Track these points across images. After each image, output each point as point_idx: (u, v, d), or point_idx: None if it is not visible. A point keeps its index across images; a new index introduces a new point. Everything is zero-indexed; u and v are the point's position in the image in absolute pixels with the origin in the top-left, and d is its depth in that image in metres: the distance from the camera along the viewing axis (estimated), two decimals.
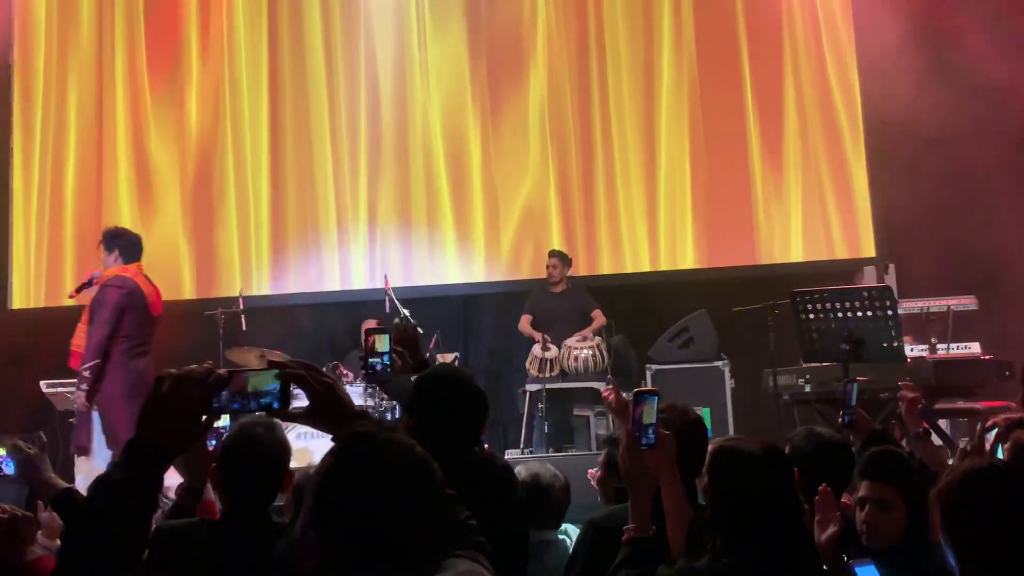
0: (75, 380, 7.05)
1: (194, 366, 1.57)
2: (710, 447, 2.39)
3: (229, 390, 1.56)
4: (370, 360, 2.76)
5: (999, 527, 1.90)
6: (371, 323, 7.11)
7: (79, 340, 5.92)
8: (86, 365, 5.78)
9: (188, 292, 8.73)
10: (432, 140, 8.69)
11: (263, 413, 1.65)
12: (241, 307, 7.45)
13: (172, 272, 8.61)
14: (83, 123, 8.98)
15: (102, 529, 1.47)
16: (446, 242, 8.63)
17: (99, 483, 1.52)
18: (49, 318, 8.53)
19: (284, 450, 2.72)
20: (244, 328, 7.43)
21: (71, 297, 6.16)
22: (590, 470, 3.94)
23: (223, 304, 7.65)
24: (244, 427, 2.74)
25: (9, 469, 2.73)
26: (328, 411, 1.66)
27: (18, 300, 8.81)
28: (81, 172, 8.94)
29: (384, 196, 8.69)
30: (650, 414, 2.36)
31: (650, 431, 2.36)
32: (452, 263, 8.62)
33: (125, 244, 5.93)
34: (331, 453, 1.46)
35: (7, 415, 7.83)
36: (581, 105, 8.62)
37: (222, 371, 1.57)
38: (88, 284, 6.01)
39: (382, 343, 2.77)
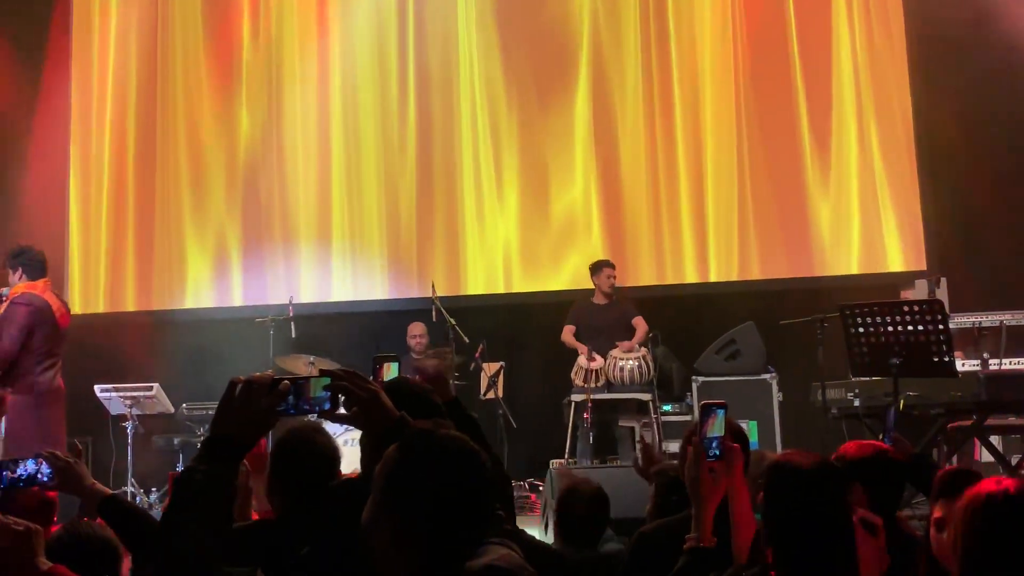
0: (123, 386, 7.21)
1: (259, 373, 1.77)
2: (767, 462, 2.39)
3: (293, 395, 1.76)
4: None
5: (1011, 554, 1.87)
6: (386, 354, 7.15)
7: None
8: None
9: (237, 299, 8.87)
10: (479, 147, 8.74)
11: (315, 416, 1.87)
12: (291, 314, 7.54)
13: (223, 279, 8.77)
14: (141, 129, 9.15)
15: (188, 519, 1.65)
16: (493, 250, 8.67)
17: (182, 477, 1.70)
18: (104, 323, 8.72)
19: (335, 451, 2.79)
20: (294, 335, 7.52)
21: None
22: None
23: (273, 311, 7.75)
24: (295, 431, 2.80)
25: (47, 478, 2.76)
26: (373, 414, 1.90)
27: (77, 305, 8.99)
28: (139, 179, 9.11)
29: (430, 203, 8.75)
30: (717, 426, 2.38)
31: (716, 443, 2.38)
32: (497, 272, 8.66)
33: (28, 262, 6.01)
34: (397, 447, 1.70)
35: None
36: (625, 112, 8.61)
37: (285, 378, 1.75)
38: None
39: (390, 372, 2.73)
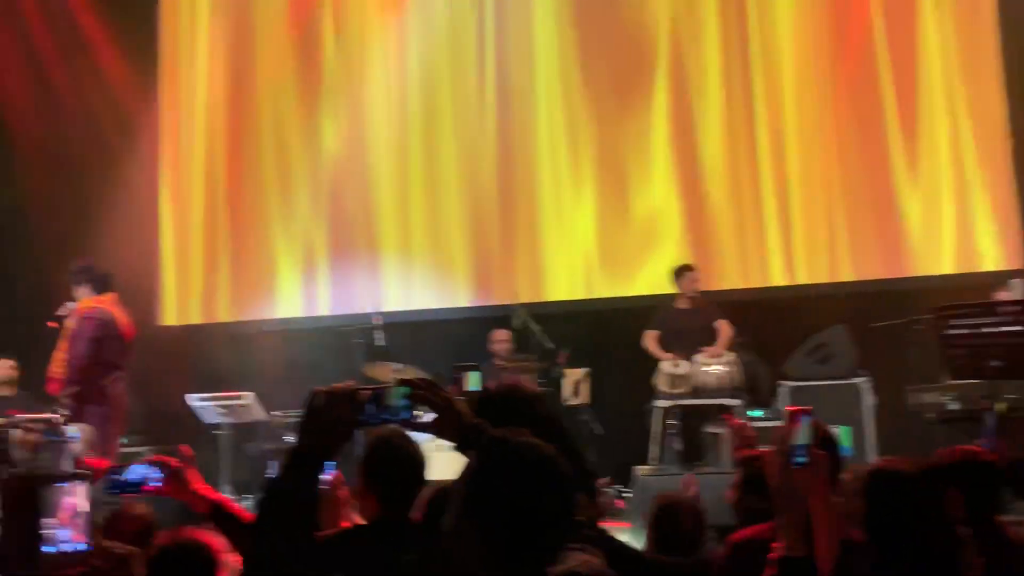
0: (217, 395, 7.39)
1: (340, 384, 1.82)
2: (868, 468, 2.34)
3: (373, 404, 1.82)
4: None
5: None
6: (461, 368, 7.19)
7: (57, 367, 6.21)
8: (67, 392, 6.07)
9: (323, 309, 9.03)
10: (557, 151, 8.74)
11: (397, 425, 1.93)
12: (377, 323, 7.63)
13: (310, 289, 8.94)
14: (230, 140, 9.39)
15: (274, 527, 1.72)
16: (574, 256, 8.66)
17: (267, 487, 1.78)
18: (196, 335, 8.96)
19: (422, 456, 2.81)
20: (380, 344, 7.61)
21: (49, 324, 6.40)
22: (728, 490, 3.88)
23: (359, 320, 7.86)
24: (383, 438, 2.84)
25: (157, 483, 2.80)
26: (449, 422, 1.92)
27: (170, 317, 9.26)
28: (228, 190, 9.34)
29: (510, 209, 8.78)
30: (803, 433, 2.33)
31: (802, 450, 2.33)
32: (578, 277, 8.65)
33: (94, 277, 6.29)
34: (477, 455, 1.71)
35: (156, 428, 8.23)
36: (706, 110, 8.51)
37: (365, 388, 1.82)
38: (63, 315, 6.31)
39: (471, 381, 2.65)
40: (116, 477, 2.62)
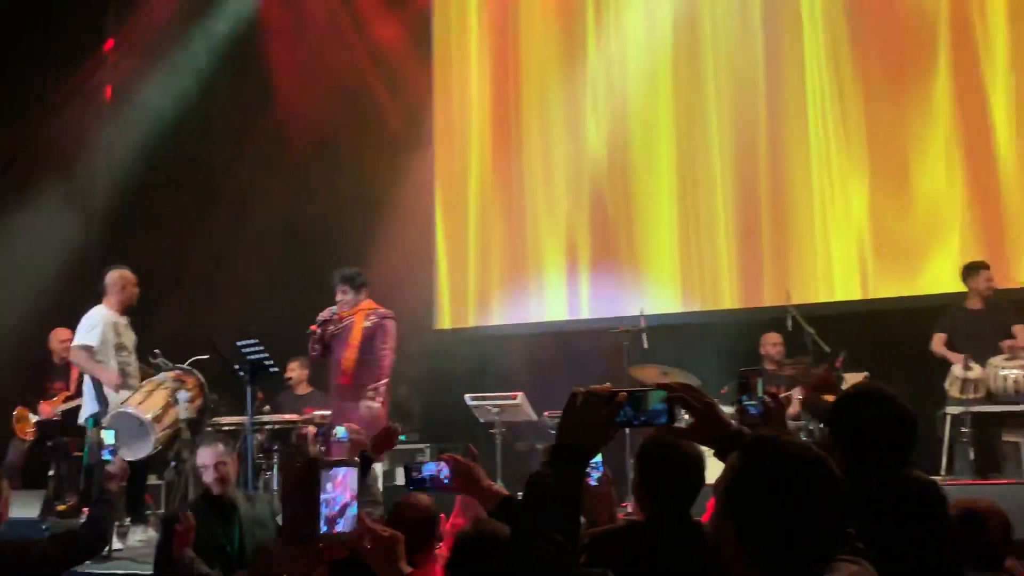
0: (491, 395, 7.63)
1: (598, 386, 1.85)
2: None
3: (631, 406, 1.83)
4: (744, 402, 2.60)
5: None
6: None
7: (349, 362, 6.61)
8: (380, 383, 6.56)
9: (585, 311, 9.13)
10: (829, 145, 8.37)
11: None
12: (644, 324, 7.61)
13: (574, 290, 9.06)
14: (497, 145, 9.69)
15: (538, 521, 1.74)
16: (848, 254, 8.26)
17: (530, 481, 1.79)
18: (467, 338, 9.33)
19: (700, 457, 2.78)
20: (646, 346, 7.58)
21: (312, 329, 6.76)
22: None
23: (625, 322, 7.87)
24: (654, 440, 2.85)
25: (447, 480, 2.94)
26: (707, 428, 1.93)
27: (444, 321, 9.69)
28: (497, 194, 9.65)
29: (780, 206, 8.52)
30: None
31: None
32: (854, 276, 8.23)
33: (366, 282, 6.80)
34: (738, 455, 1.66)
35: (434, 427, 8.64)
36: (996, 93, 7.88)
37: (623, 391, 1.83)
38: (327, 319, 6.71)
39: (755, 388, 2.63)
40: (413, 474, 2.78)
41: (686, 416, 1.95)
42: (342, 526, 1.98)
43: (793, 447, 1.64)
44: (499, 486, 2.92)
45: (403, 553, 2.17)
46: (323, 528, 1.97)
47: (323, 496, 1.97)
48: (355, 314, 6.85)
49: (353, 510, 1.99)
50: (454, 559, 2.70)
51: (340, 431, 6.10)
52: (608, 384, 1.85)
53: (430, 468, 2.77)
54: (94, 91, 10.01)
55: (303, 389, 8.45)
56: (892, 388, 2.71)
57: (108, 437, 4.50)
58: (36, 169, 9.25)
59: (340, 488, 1.99)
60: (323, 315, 6.78)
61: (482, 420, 7.76)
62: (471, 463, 2.92)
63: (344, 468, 2.01)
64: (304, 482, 2.00)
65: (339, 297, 6.83)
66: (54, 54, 9.46)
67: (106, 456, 4.33)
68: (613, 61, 9.30)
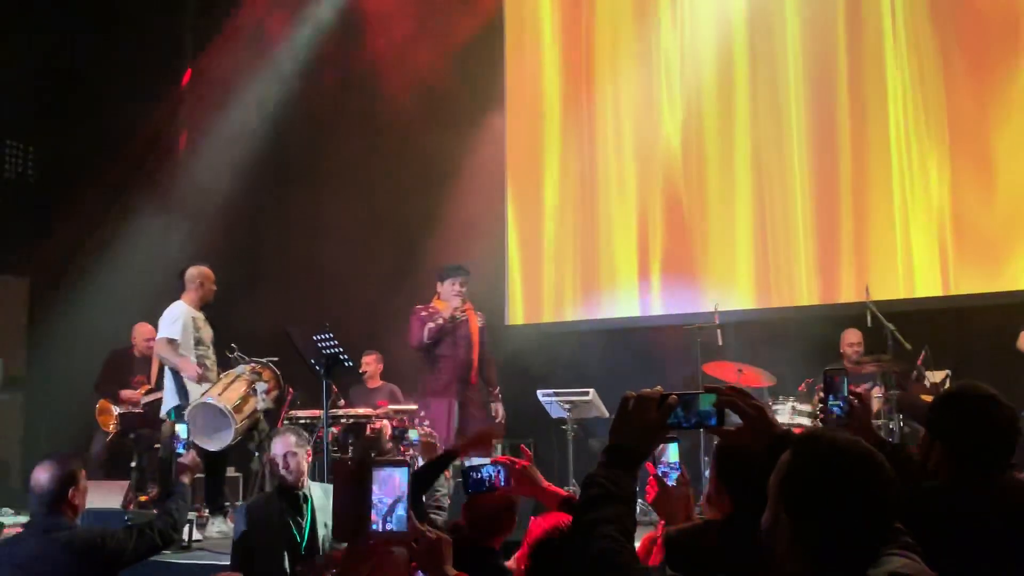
0: (563, 391, 7.61)
1: (648, 389, 1.90)
2: None
3: (682, 409, 1.88)
4: (830, 403, 2.60)
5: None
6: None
7: (477, 362, 7.39)
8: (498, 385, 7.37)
9: (657, 308, 9.05)
10: (911, 136, 8.15)
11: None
12: (717, 321, 7.51)
13: (645, 287, 8.98)
14: (568, 136, 9.65)
15: (593, 519, 1.78)
16: (929, 247, 8.06)
17: (586, 482, 1.86)
18: (540, 334, 9.31)
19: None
20: (720, 343, 7.49)
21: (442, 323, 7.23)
22: None
23: (700, 319, 7.78)
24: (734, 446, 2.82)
25: (504, 482, 2.96)
26: (758, 430, 1.94)
27: (520, 316, 9.69)
28: (566, 190, 9.62)
29: (861, 199, 8.33)
30: None
31: None
32: (935, 271, 8.02)
33: None
34: (790, 452, 1.71)
35: (508, 422, 8.63)
36: None
37: (673, 394, 1.89)
38: (458, 316, 7.22)
39: (839, 388, 2.63)
40: (473, 475, 2.81)
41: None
42: (392, 525, 2.02)
43: (843, 442, 1.67)
44: (567, 490, 2.94)
45: (449, 556, 2.21)
46: (373, 527, 2.01)
47: (374, 495, 2.00)
48: (467, 311, 7.13)
49: (401, 511, 2.02)
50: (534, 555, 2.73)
51: (413, 434, 6.17)
52: (659, 388, 1.89)
53: (488, 471, 2.80)
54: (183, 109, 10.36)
55: (375, 383, 8.53)
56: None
57: (182, 431, 4.60)
58: (135, 191, 9.60)
59: (390, 488, 2.02)
60: (456, 310, 7.17)
61: (554, 416, 7.74)
62: (527, 464, 2.94)
63: (395, 468, 2.06)
64: (356, 480, 2.04)
65: (459, 291, 7.20)
66: (148, 76, 9.80)
67: (180, 449, 4.42)
68: (687, 49, 9.18)
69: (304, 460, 4.68)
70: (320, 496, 4.66)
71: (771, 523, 1.71)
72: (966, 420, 2.48)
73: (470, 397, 7.28)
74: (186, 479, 4.26)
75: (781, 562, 1.66)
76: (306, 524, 4.58)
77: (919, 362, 6.99)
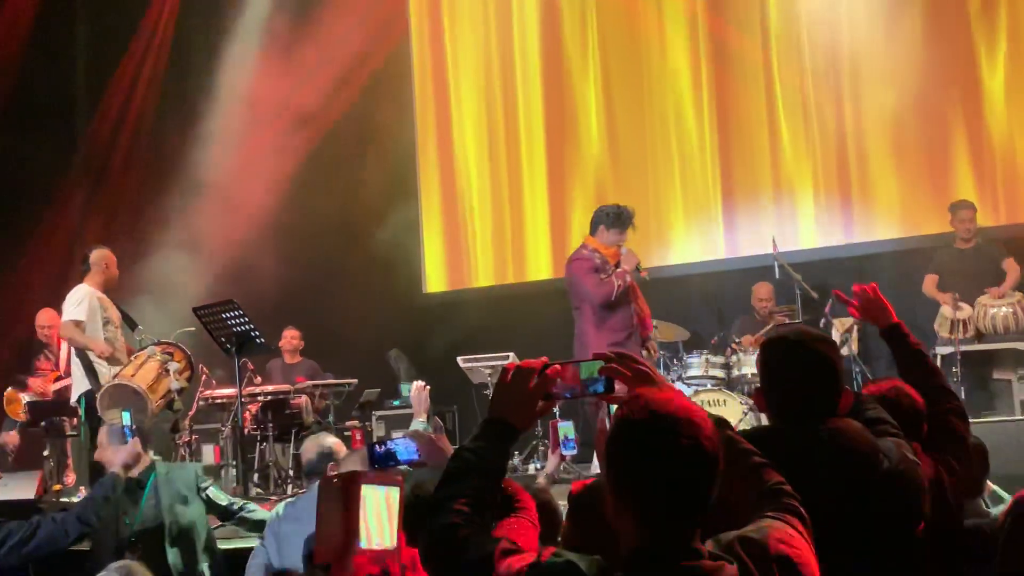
0: (483, 356, 7.59)
1: (531, 359, 1.81)
2: None
3: (563, 379, 1.80)
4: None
5: None
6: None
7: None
8: None
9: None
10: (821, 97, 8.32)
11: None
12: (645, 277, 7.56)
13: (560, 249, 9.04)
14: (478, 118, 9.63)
15: (453, 494, 1.73)
16: (831, 200, 8.25)
17: (454, 455, 1.81)
18: (454, 299, 9.32)
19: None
20: None
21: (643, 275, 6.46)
22: None
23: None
24: None
25: (411, 455, 2.89)
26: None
27: (431, 285, 9.67)
28: (480, 164, 9.59)
29: (750, 157, 8.46)
30: None
31: None
32: (836, 222, 8.22)
33: None
34: (619, 411, 1.64)
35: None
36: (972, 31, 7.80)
37: (556, 363, 1.80)
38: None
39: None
40: (377, 450, 2.72)
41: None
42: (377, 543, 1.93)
43: (658, 403, 1.59)
44: None
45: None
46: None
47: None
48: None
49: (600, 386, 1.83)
50: None
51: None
52: (544, 358, 1.81)
53: (398, 444, 2.71)
54: None
55: (294, 359, 8.45)
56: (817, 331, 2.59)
57: (126, 418, 4.43)
58: None
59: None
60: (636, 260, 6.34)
61: (476, 382, 7.75)
62: (434, 436, 2.90)
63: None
64: (345, 498, 1.91)
65: (624, 239, 6.34)
66: None
67: (128, 436, 4.28)
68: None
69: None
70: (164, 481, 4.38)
71: (603, 487, 1.67)
72: (773, 367, 2.39)
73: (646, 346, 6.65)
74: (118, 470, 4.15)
75: (610, 523, 1.62)
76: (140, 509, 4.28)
77: (827, 310, 7.16)
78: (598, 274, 6.22)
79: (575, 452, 3.92)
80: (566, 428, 3.80)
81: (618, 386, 1.82)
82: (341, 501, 1.92)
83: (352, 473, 2.00)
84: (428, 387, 4.17)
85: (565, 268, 6.54)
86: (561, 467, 3.88)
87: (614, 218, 6.34)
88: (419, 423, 4.14)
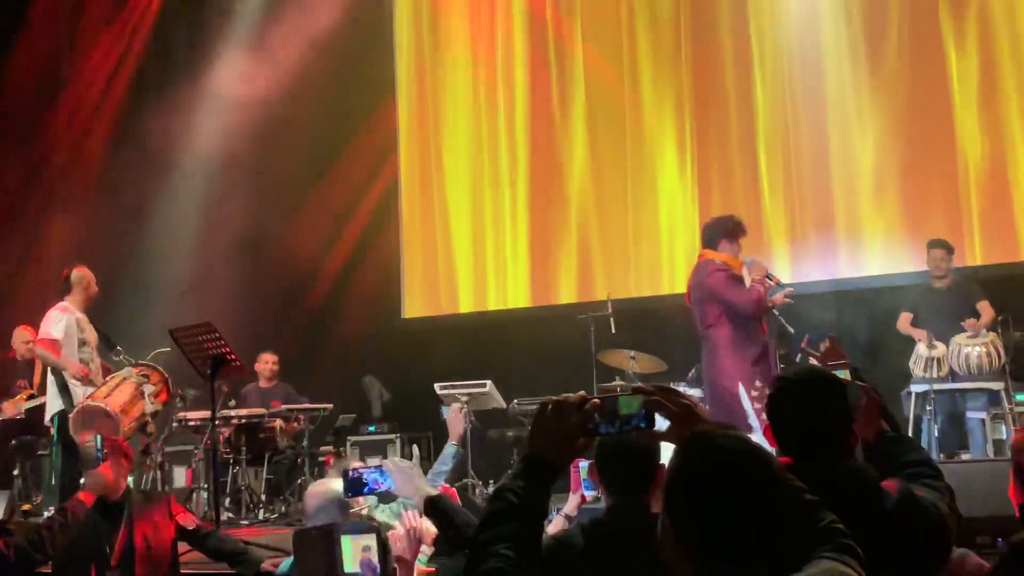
0: (460, 383, 7.58)
1: (570, 394, 1.75)
2: None
3: (600, 414, 1.74)
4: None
5: None
6: None
7: None
8: None
9: (551, 298, 9.13)
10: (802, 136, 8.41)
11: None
12: (610, 310, 7.61)
13: (540, 277, 9.06)
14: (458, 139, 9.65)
15: (498, 535, 1.67)
16: (806, 238, 8.32)
17: (495, 494, 1.74)
18: (431, 326, 9.30)
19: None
20: (613, 330, 7.59)
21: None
22: None
23: (593, 308, 7.88)
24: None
25: (388, 484, 2.88)
26: (687, 430, 1.75)
27: (409, 311, 9.65)
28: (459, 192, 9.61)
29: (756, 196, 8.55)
30: None
31: None
32: (812, 259, 8.29)
33: None
34: (677, 451, 1.59)
35: (401, 416, 8.61)
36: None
37: (595, 398, 1.75)
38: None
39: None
40: (350, 476, 2.68)
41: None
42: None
43: (730, 439, 1.55)
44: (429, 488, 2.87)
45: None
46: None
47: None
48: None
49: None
50: None
51: None
52: (582, 392, 1.77)
53: (370, 474, 2.70)
54: None
55: (270, 383, 8.40)
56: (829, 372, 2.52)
57: (98, 442, 4.38)
58: None
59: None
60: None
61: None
62: (412, 466, 2.88)
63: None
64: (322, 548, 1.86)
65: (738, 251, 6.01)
66: None
67: (100, 460, 4.25)
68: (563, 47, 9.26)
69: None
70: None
71: (661, 528, 1.59)
72: (779, 406, 2.41)
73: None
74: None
75: (669, 566, 1.56)
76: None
77: (803, 345, 7.19)
78: (740, 284, 5.90)
79: (595, 493, 3.56)
80: (586, 468, 3.52)
81: (658, 420, 1.77)
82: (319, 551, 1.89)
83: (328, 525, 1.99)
84: (465, 410, 4.10)
85: (693, 285, 6.10)
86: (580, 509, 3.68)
87: (734, 228, 6.01)
88: (451, 447, 4.13)
